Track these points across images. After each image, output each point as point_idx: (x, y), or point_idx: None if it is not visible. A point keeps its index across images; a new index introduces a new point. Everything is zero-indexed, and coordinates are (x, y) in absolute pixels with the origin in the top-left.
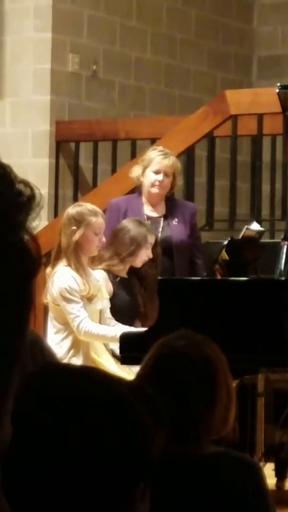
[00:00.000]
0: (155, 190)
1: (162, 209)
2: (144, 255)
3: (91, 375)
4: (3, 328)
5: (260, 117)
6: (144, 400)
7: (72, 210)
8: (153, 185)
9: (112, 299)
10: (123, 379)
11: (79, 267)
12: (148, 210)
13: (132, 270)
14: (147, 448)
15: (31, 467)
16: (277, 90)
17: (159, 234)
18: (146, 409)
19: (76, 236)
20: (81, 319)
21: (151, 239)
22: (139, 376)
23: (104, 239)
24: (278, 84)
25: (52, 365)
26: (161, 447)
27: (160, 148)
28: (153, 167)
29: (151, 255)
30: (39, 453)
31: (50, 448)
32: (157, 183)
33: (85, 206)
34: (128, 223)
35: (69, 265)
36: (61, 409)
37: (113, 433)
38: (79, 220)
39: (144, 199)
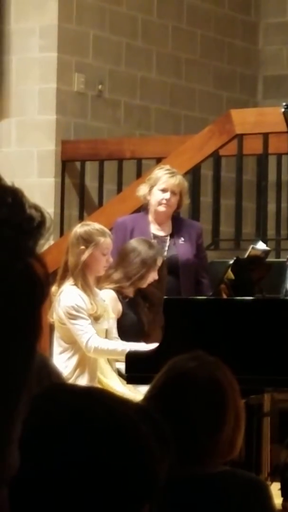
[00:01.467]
0: (162, 208)
1: (168, 228)
2: (152, 277)
3: (97, 398)
4: (12, 355)
5: (265, 136)
6: (150, 423)
7: (80, 229)
8: (160, 204)
9: (120, 319)
10: (130, 401)
11: (86, 287)
12: (154, 229)
13: (138, 291)
14: (152, 470)
15: (35, 489)
16: (283, 110)
17: (165, 253)
18: (152, 432)
19: (85, 256)
20: (90, 336)
21: (160, 262)
22: (148, 395)
23: (111, 259)
24: (284, 104)
25: (58, 386)
26: (167, 470)
27: (167, 167)
28: (160, 186)
29: (157, 277)
30: (42, 475)
31: (54, 470)
32: (164, 201)
33: (93, 226)
34: (138, 245)
35: (76, 284)
36: (66, 432)
37: (118, 456)
38: (87, 240)
39: (150, 218)
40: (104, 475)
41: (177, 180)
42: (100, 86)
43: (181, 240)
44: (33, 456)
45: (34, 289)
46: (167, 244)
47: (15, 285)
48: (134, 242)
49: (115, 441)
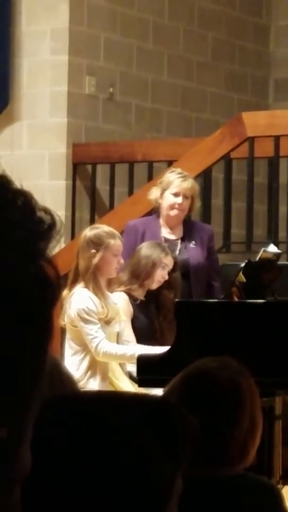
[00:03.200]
0: (174, 212)
1: (179, 231)
2: (160, 276)
3: (108, 408)
4: (24, 357)
5: (276, 139)
6: (171, 421)
7: (89, 232)
8: (172, 208)
9: (132, 322)
10: (151, 398)
11: (97, 290)
12: (165, 233)
13: (152, 295)
14: (157, 489)
15: (45, 496)
16: None
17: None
18: (164, 433)
19: (96, 259)
20: (99, 340)
21: (166, 260)
22: (168, 390)
23: (122, 261)
24: None
25: (69, 395)
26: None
27: (179, 170)
28: (172, 190)
29: (166, 277)
30: (52, 483)
31: (64, 480)
32: (176, 205)
33: (102, 228)
34: (144, 245)
35: (87, 287)
36: (76, 444)
37: (125, 470)
38: (97, 243)
39: (162, 221)
40: (111, 488)
41: (189, 184)
42: (111, 89)
43: (192, 244)
44: (42, 466)
45: (46, 292)
46: (178, 247)
47: (27, 288)
48: (144, 245)
49: (123, 456)
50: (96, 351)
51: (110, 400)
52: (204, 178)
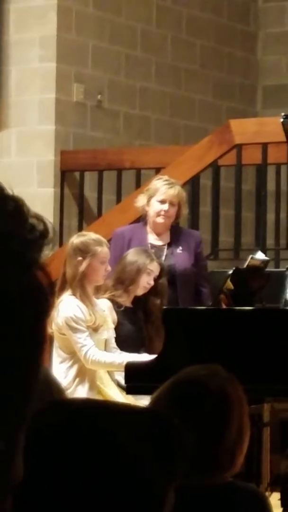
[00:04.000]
0: (160, 219)
1: (166, 237)
2: (145, 281)
3: (100, 418)
4: (17, 368)
5: (264, 146)
6: (158, 434)
7: (76, 240)
8: (158, 215)
9: (116, 329)
10: (142, 409)
11: (84, 298)
12: (152, 239)
13: (138, 302)
14: (150, 501)
15: (36, 504)
16: (282, 120)
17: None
18: (159, 444)
19: (83, 266)
20: (88, 348)
21: (151, 266)
22: (156, 397)
23: (109, 268)
24: (283, 114)
25: (58, 405)
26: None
27: (166, 177)
28: (159, 197)
29: (152, 282)
30: (40, 494)
31: (56, 492)
32: (162, 212)
33: (89, 236)
34: (130, 252)
35: (74, 295)
36: (65, 455)
37: (116, 482)
38: (84, 251)
39: (149, 228)
40: (103, 500)
41: (176, 191)
42: (99, 96)
43: (179, 249)
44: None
45: (40, 300)
46: (165, 253)
47: (21, 297)
48: (130, 251)
49: (115, 467)
50: (85, 359)
51: (104, 409)
52: (192, 185)
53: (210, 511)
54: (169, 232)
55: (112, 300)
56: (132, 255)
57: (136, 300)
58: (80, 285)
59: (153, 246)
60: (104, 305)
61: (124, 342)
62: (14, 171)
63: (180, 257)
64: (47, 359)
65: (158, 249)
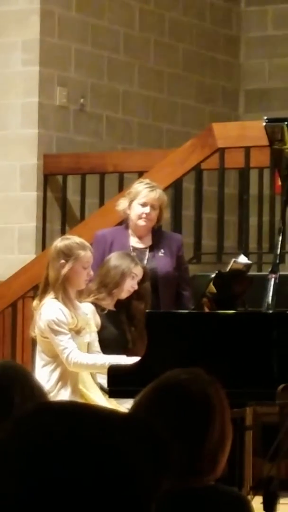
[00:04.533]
0: (142, 222)
1: (148, 240)
2: (129, 285)
3: (82, 420)
4: None
5: (247, 150)
6: (145, 440)
7: (60, 243)
8: (140, 218)
9: (99, 332)
10: (122, 416)
11: (66, 301)
12: (134, 242)
13: (121, 305)
14: (137, 500)
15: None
16: (264, 124)
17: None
18: (146, 450)
19: (65, 270)
20: (70, 351)
21: (136, 270)
22: (137, 401)
23: (92, 273)
24: (265, 118)
25: (42, 407)
26: (164, 487)
27: (147, 181)
28: (140, 200)
29: (135, 286)
30: (24, 501)
31: (38, 494)
32: (144, 215)
33: (73, 240)
34: (113, 255)
35: (56, 298)
36: (50, 458)
37: (102, 485)
38: (67, 254)
39: (130, 231)
40: (89, 501)
41: (157, 194)
42: (82, 100)
43: (161, 253)
44: (14, 481)
45: None
46: (146, 256)
47: None
48: (113, 255)
49: (100, 471)
50: (67, 362)
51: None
52: (175, 189)
53: None
54: (150, 235)
55: (95, 303)
56: (116, 259)
57: (119, 303)
58: (62, 288)
59: (135, 249)
60: (87, 308)
61: (107, 345)
62: None
63: (162, 260)
64: (29, 362)
65: (140, 252)
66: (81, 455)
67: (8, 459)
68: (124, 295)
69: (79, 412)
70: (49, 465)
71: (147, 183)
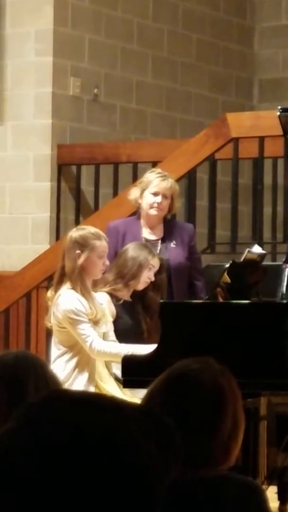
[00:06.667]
0: (153, 212)
1: (160, 231)
2: (146, 277)
3: (96, 409)
4: None
5: (261, 140)
6: (157, 431)
7: (75, 234)
8: (151, 207)
9: (114, 322)
10: (134, 407)
11: (84, 291)
12: (146, 233)
13: (138, 296)
14: (151, 487)
15: (31, 501)
16: (278, 113)
17: None
18: (158, 441)
19: (81, 260)
20: (93, 339)
21: (153, 261)
22: (149, 392)
23: (108, 263)
24: (279, 107)
25: (56, 396)
26: (171, 479)
27: (159, 170)
28: (152, 189)
29: (152, 278)
30: (37, 488)
31: (48, 483)
32: (155, 205)
33: (88, 230)
34: (130, 246)
35: (74, 288)
36: (62, 446)
37: (115, 473)
38: (83, 244)
39: (142, 222)
40: (100, 488)
41: (169, 183)
42: (95, 90)
43: (173, 244)
44: (27, 469)
45: None
46: (159, 248)
47: None
48: (130, 246)
49: (113, 458)
50: (90, 349)
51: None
52: (189, 179)
53: (205, 504)
54: (162, 226)
55: (111, 294)
56: (133, 250)
57: (135, 294)
58: (79, 278)
59: (147, 240)
60: (102, 298)
61: (122, 335)
62: (10, 165)
63: (174, 251)
64: (44, 352)
65: (152, 243)
66: (92, 443)
67: (18, 446)
68: (140, 286)
69: (91, 401)
70: (59, 452)
71: (159, 173)
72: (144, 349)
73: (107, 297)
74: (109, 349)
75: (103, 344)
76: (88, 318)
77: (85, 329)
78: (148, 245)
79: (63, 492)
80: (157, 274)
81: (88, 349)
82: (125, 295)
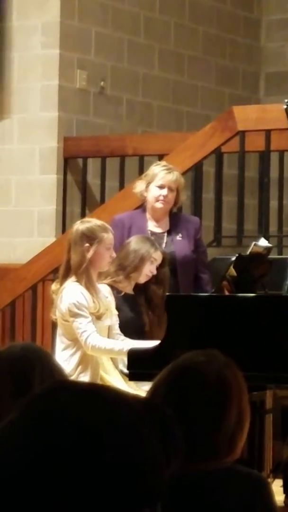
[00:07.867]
0: (159, 205)
1: (165, 224)
2: (148, 270)
3: (99, 400)
4: None
5: (267, 133)
6: (159, 423)
7: (82, 226)
8: (157, 200)
9: None
10: (137, 399)
11: (89, 285)
12: (152, 226)
13: (140, 290)
14: (153, 477)
15: (32, 493)
16: (285, 106)
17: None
18: (160, 433)
19: (90, 253)
20: (89, 334)
21: (155, 255)
22: (154, 385)
23: (114, 254)
24: (286, 100)
25: (60, 386)
26: (173, 471)
27: (164, 163)
28: (157, 182)
29: (154, 271)
30: (41, 477)
31: (52, 472)
32: (161, 198)
33: (94, 222)
34: (133, 238)
35: (79, 282)
36: (65, 436)
37: (118, 463)
38: (90, 237)
39: (148, 215)
40: (103, 480)
41: (174, 176)
42: (102, 83)
43: (179, 237)
44: (30, 458)
45: None
46: (165, 241)
47: None
48: (133, 238)
49: (116, 449)
50: (85, 345)
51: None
52: (195, 172)
53: (210, 496)
54: (168, 219)
55: (112, 286)
56: (135, 243)
57: (137, 287)
58: (86, 271)
59: (152, 233)
60: (103, 290)
61: (122, 328)
62: (16, 158)
63: (180, 244)
64: (50, 345)
65: (158, 236)
66: (96, 433)
67: (21, 436)
68: (142, 279)
69: (95, 392)
70: (63, 442)
71: (164, 165)
72: (141, 345)
73: (108, 289)
74: (103, 345)
75: (98, 340)
76: (90, 313)
77: (83, 323)
78: (151, 238)
79: (65, 485)
80: (159, 268)
81: (83, 344)
82: (126, 287)
